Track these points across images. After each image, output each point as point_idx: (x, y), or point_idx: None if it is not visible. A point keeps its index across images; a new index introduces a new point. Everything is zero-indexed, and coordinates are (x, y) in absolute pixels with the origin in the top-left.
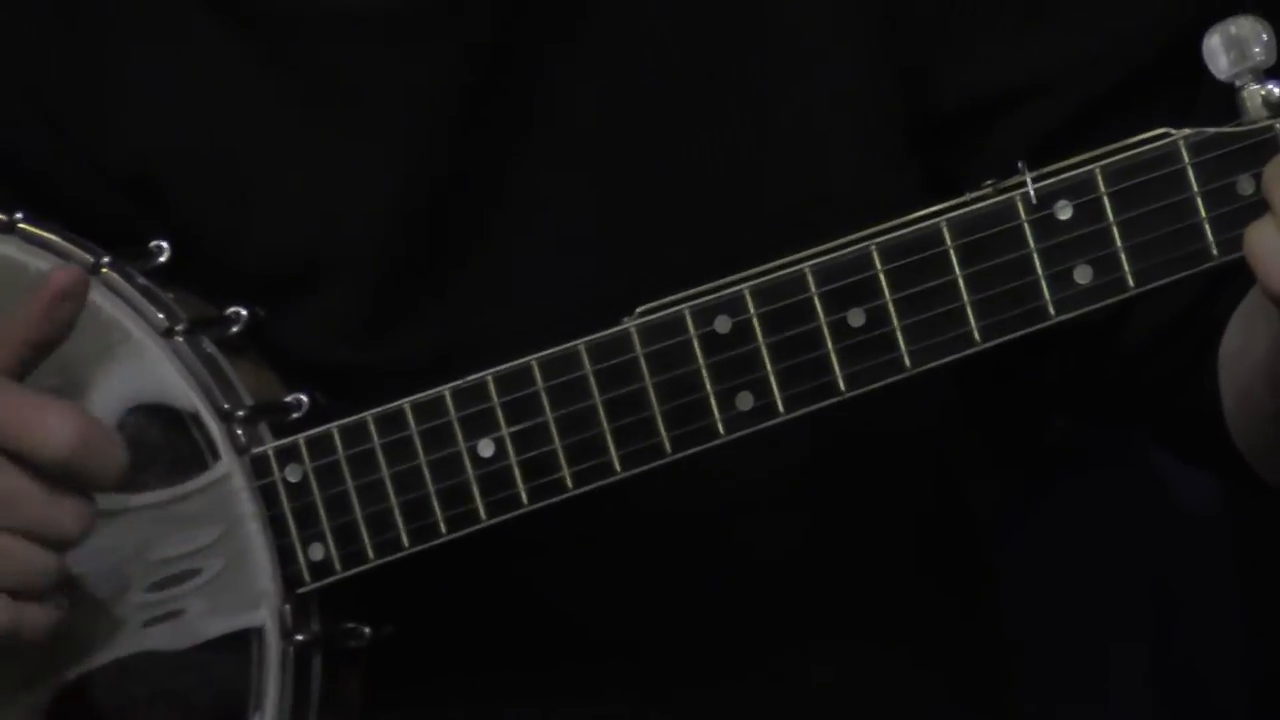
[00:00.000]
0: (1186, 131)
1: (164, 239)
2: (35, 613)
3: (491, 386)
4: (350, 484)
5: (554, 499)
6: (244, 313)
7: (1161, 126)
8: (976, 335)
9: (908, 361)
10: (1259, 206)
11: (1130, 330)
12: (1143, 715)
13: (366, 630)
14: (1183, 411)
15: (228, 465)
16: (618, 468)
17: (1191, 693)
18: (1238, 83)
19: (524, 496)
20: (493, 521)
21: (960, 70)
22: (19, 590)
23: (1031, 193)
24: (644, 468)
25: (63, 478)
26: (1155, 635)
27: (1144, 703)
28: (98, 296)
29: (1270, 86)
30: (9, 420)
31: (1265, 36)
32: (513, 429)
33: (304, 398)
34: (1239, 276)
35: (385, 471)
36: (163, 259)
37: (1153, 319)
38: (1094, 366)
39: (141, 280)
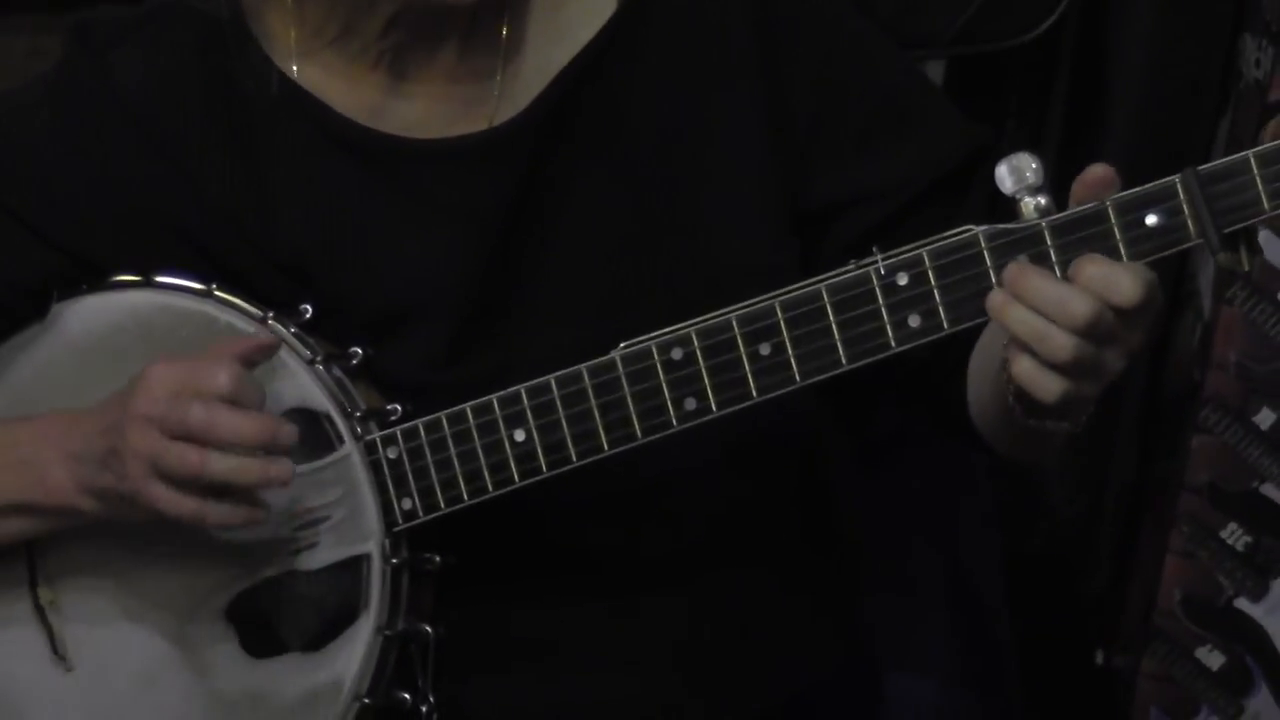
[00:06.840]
0: (984, 227)
1: (308, 302)
2: (220, 509)
3: (524, 394)
4: (430, 459)
5: (564, 469)
6: (360, 351)
7: (962, 224)
8: (844, 360)
9: (798, 378)
10: None
11: (913, 356)
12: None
13: (437, 558)
14: (944, 404)
15: (349, 448)
16: (606, 447)
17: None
18: (1017, 196)
19: (544, 467)
20: (523, 484)
21: (816, 184)
22: (192, 484)
23: (881, 267)
24: (623, 448)
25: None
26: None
27: (940, 610)
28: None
29: (1039, 199)
30: (189, 377)
31: (1035, 166)
32: (538, 422)
33: (399, 407)
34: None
35: (453, 450)
36: (307, 316)
37: (926, 349)
38: (892, 376)
39: (294, 329)
